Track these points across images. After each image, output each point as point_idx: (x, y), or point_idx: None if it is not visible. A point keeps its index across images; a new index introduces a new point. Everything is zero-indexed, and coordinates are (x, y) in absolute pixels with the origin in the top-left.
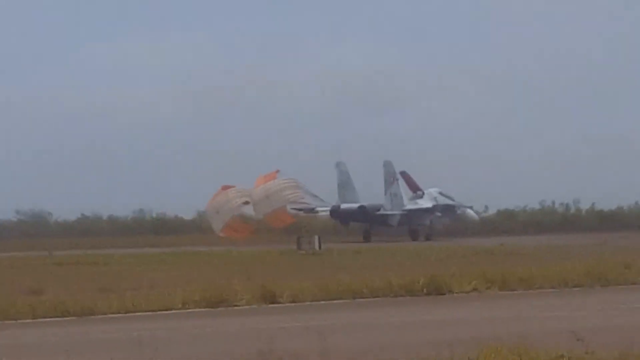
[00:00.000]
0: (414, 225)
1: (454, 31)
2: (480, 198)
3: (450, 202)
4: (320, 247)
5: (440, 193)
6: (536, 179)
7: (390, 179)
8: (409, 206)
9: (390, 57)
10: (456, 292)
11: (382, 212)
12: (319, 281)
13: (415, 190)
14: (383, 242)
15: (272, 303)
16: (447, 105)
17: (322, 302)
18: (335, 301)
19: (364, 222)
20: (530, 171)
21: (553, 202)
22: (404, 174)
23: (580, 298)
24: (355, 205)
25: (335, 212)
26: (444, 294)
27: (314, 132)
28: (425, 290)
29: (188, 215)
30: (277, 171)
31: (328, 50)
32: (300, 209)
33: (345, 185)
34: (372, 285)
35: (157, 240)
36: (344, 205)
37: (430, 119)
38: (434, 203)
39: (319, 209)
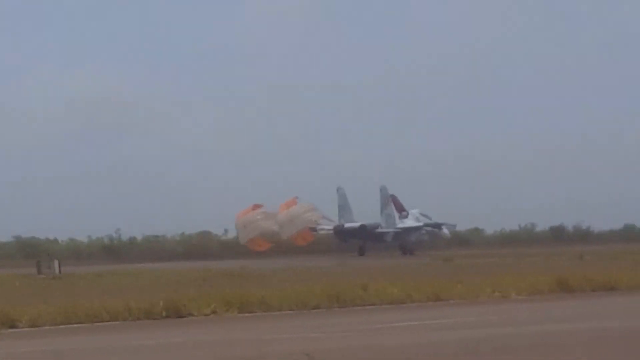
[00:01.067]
0: (404, 241)
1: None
2: (221, 221)
3: (429, 220)
4: (60, 271)
5: (421, 213)
6: (275, 201)
7: (385, 201)
8: (401, 224)
9: (131, 82)
10: (196, 315)
11: (379, 230)
12: (59, 305)
13: (401, 211)
14: (376, 257)
15: (11, 327)
16: (189, 128)
17: (62, 326)
18: (74, 325)
19: (363, 239)
20: (269, 193)
21: None
22: (392, 197)
23: (318, 320)
24: (357, 224)
25: (339, 230)
26: (184, 317)
27: (55, 160)
28: (164, 313)
29: None
30: (296, 197)
31: (67, 75)
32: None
33: (344, 207)
34: (112, 309)
35: None
36: (347, 225)
37: (172, 141)
38: (418, 222)
39: (319, 227)
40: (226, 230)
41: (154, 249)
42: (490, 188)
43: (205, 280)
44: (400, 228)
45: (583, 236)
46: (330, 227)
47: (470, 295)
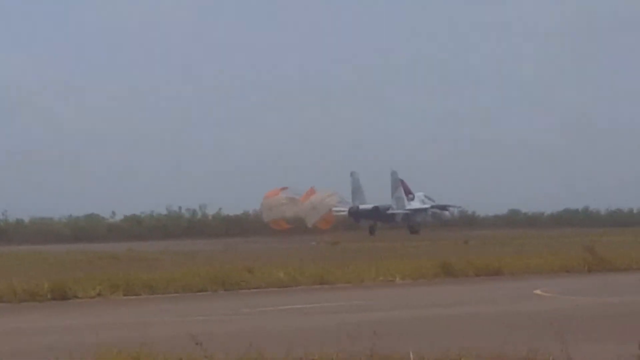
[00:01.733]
0: (412, 221)
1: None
2: (108, 204)
3: (434, 203)
4: None
5: (425, 196)
6: (163, 185)
7: (395, 185)
8: (409, 206)
9: (17, 63)
10: (81, 297)
11: (390, 211)
12: None
13: (408, 194)
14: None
15: None
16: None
17: None
18: None
19: (375, 220)
20: (157, 178)
21: (180, 208)
22: (401, 181)
23: (203, 303)
24: (370, 206)
25: (353, 212)
26: (69, 299)
27: None
28: (49, 295)
29: None
30: (313, 187)
31: None
32: None
33: (357, 190)
34: None
35: None
36: (362, 206)
37: (60, 123)
38: (424, 204)
39: (334, 209)
40: (113, 213)
41: (41, 231)
42: (378, 173)
43: (91, 262)
44: (409, 210)
45: (468, 221)
46: (345, 209)
47: (355, 279)
